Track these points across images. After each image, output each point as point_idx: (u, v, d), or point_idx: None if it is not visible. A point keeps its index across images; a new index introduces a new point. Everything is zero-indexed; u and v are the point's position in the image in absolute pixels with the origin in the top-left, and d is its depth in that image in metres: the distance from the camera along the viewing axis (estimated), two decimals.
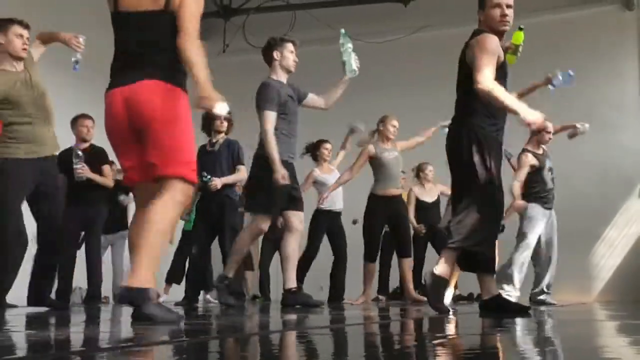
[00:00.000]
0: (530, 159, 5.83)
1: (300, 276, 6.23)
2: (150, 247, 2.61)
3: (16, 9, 5.24)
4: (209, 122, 6.22)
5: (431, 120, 6.47)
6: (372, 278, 6.28)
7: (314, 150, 6.79)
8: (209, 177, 5.77)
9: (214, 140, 6.18)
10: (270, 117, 4.59)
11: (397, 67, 9.84)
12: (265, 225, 4.73)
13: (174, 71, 2.78)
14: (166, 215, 2.65)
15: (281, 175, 4.49)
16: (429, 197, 7.44)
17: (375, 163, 6.09)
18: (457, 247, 3.50)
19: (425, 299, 6.25)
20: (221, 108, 2.66)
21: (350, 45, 4.84)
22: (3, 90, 4.20)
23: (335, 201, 6.54)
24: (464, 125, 3.56)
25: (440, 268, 3.52)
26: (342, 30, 4.87)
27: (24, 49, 4.31)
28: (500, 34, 3.56)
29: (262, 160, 4.61)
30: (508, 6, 3.54)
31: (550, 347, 1.89)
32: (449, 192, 7.33)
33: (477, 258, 3.55)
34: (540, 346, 1.90)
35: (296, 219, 4.81)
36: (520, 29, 3.85)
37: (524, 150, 5.89)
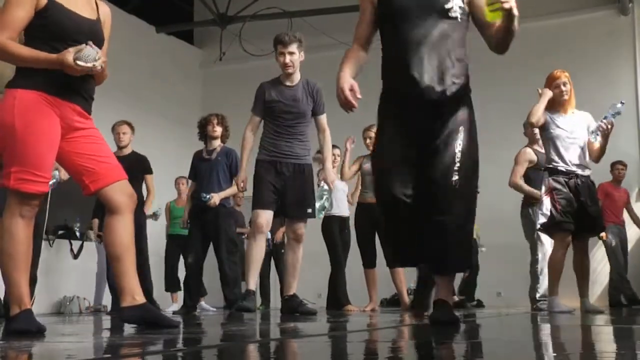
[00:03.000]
0: (528, 155, 5.89)
1: (340, 295, 6.39)
2: (7, 276, 2.65)
3: None
4: (204, 129, 6.22)
5: None
6: (375, 284, 6.28)
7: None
8: (207, 197, 5.84)
9: (211, 148, 6.17)
10: (251, 119, 4.83)
11: None
12: (258, 220, 4.65)
13: (17, 72, 2.74)
14: (9, 240, 2.64)
15: (241, 178, 4.82)
16: None
17: (361, 173, 6.36)
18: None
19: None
20: (78, 53, 2.59)
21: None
22: None
23: (340, 206, 6.58)
24: None
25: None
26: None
27: None
28: None
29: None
30: None
31: (548, 352, 1.89)
32: None
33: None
34: (538, 352, 1.90)
35: (289, 229, 4.86)
36: None
37: (525, 147, 5.99)
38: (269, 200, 4.65)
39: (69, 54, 2.58)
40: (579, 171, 4.93)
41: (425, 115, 2.88)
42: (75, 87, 2.72)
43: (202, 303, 7.76)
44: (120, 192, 2.78)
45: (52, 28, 2.69)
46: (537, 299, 5.79)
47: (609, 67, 9.32)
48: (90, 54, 2.61)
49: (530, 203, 5.87)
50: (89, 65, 2.61)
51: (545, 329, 3.01)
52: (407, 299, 6.26)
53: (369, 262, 6.19)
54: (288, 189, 4.69)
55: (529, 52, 9.51)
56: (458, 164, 2.85)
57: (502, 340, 2.36)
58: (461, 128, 2.90)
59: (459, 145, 2.87)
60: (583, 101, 8.94)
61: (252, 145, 4.82)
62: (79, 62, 2.58)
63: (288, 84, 4.76)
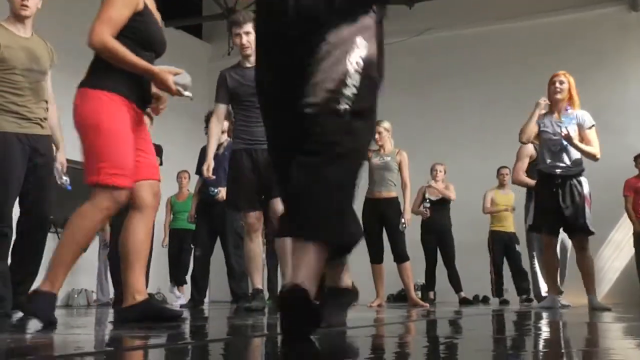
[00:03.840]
0: (529, 150, 5.90)
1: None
2: (58, 254, 2.69)
3: None
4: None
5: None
6: (382, 279, 6.27)
7: None
8: (215, 191, 5.86)
9: (218, 143, 6.17)
10: (215, 108, 4.60)
11: (401, 69, 9.84)
12: (248, 220, 4.43)
13: (94, 72, 2.78)
14: (81, 223, 2.68)
15: (206, 167, 4.52)
16: (433, 196, 7.63)
17: (368, 167, 6.22)
18: None
19: (427, 304, 6.29)
20: (182, 80, 2.69)
21: None
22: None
23: None
24: None
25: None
26: None
27: (23, 6, 3.62)
28: None
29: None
30: None
31: (556, 349, 1.89)
32: (448, 193, 7.42)
33: None
34: (546, 348, 1.90)
35: (271, 211, 4.49)
36: None
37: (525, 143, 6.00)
38: (252, 199, 4.45)
39: (169, 75, 2.71)
40: (559, 172, 4.97)
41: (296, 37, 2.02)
42: (143, 93, 2.84)
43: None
44: (149, 189, 2.85)
45: (143, 33, 2.78)
46: (543, 295, 5.78)
47: (619, 63, 9.26)
48: (187, 82, 2.73)
49: (532, 199, 5.87)
50: (185, 94, 2.74)
51: (550, 326, 3.00)
52: (414, 294, 6.26)
53: (375, 257, 6.19)
54: (265, 175, 4.32)
55: (538, 50, 9.48)
56: (353, 85, 1.88)
57: (505, 337, 2.35)
58: (358, 37, 1.94)
59: (355, 56, 1.91)
60: (593, 97, 8.93)
61: (218, 134, 4.66)
62: (179, 90, 2.72)
63: (248, 65, 4.48)
